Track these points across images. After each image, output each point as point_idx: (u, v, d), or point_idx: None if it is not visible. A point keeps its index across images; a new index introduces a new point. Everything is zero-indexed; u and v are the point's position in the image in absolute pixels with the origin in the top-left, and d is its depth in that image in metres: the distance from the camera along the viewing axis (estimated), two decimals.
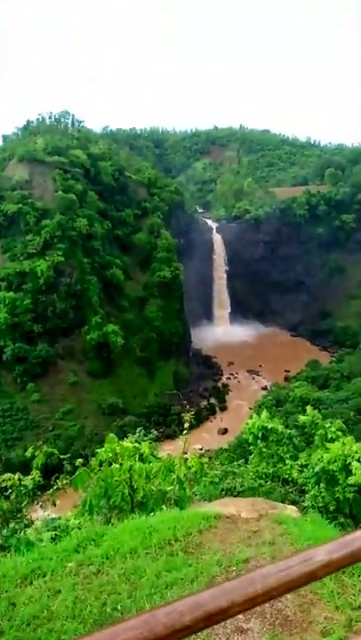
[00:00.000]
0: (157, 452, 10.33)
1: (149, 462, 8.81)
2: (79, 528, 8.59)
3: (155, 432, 15.01)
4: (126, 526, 6.02)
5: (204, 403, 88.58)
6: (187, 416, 7.96)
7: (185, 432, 8.11)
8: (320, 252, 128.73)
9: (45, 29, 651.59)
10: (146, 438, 13.73)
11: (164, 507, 7.54)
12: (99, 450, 8.80)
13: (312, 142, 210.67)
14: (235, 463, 14.48)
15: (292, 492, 11.47)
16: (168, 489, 8.00)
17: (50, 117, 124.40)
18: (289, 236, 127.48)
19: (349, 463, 10.29)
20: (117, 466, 8.29)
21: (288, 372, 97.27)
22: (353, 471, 9.83)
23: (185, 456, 13.88)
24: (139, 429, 14.19)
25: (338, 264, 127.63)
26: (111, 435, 8.69)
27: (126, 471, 8.06)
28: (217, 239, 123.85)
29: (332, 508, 10.15)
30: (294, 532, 5.50)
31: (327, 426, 12.66)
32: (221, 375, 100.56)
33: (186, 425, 7.96)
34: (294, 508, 7.10)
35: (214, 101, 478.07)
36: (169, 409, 78.42)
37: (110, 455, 8.65)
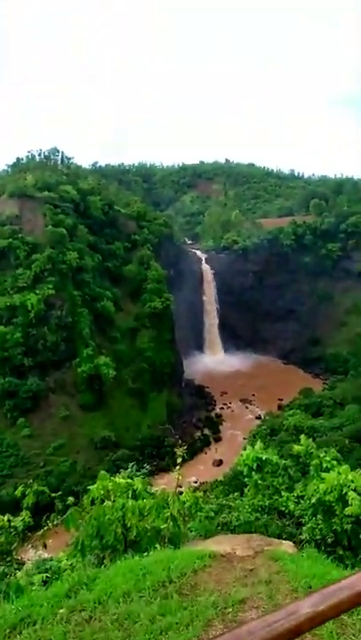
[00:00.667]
0: (151, 488, 10.14)
1: (143, 498, 8.62)
2: (72, 569, 8.30)
3: (147, 467, 14.76)
4: (119, 568, 5.83)
5: (198, 434, 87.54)
6: (179, 451, 7.84)
7: (178, 468, 7.97)
8: (308, 281, 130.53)
9: (45, 29, 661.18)
10: (139, 473, 13.48)
11: (157, 545, 7.33)
12: (90, 487, 8.62)
13: (296, 174, 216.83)
14: (230, 496, 14.20)
15: (289, 525, 11.25)
16: (162, 526, 7.81)
17: (39, 154, 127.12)
18: (277, 265, 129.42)
19: (346, 493, 10.14)
20: (110, 504, 8.10)
21: (281, 400, 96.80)
22: (349, 501, 9.69)
23: (180, 489, 13.62)
24: (131, 464, 13.93)
25: (326, 292, 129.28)
26: (102, 472, 8.53)
27: (119, 509, 7.88)
28: (206, 270, 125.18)
29: (330, 540, 9.94)
30: (291, 569, 5.34)
31: (322, 455, 12.54)
32: (215, 405, 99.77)
33: (178, 460, 7.84)
34: (290, 543, 6.93)
35: (202, 128, 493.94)
36: (162, 441, 77.26)
37: (102, 492, 8.46)
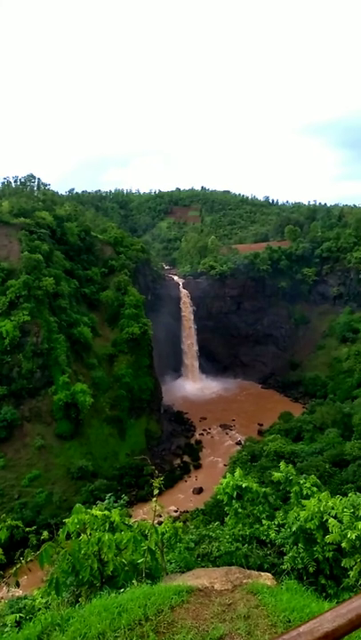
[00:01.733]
0: (130, 518, 9.85)
1: (120, 531, 8.36)
2: (46, 608, 7.92)
3: (125, 497, 14.40)
4: (94, 607, 5.58)
5: (178, 461, 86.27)
6: (156, 482, 7.66)
7: (154, 500, 7.78)
8: (285, 305, 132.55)
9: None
10: (116, 505, 13.15)
11: (135, 581, 7.08)
12: (66, 520, 8.33)
13: (271, 201, 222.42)
14: (210, 526, 13.89)
15: (270, 555, 11.04)
16: (139, 560, 7.56)
17: (15, 181, 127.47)
18: (254, 289, 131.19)
19: (326, 520, 10.05)
20: (85, 538, 7.83)
21: (261, 425, 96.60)
22: (330, 529, 9.59)
23: (160, 519, 13.26)
24: (109, 495, 13.58)
25: (303, 316, 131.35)
26: (78, 505, 8.26)
27: (94, 543, 7.62)
28: (184, 294, 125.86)
29: (311, 569, 9.78)
30: (270, 602, 5.19)
31: (302, 482, 12.47)
32: (194, 431, 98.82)
33: (155, 492, 7.65)
34: (269, 575, 6.77)
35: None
36: (141, 470, 75.79)
37: (78, 526, 8.18)
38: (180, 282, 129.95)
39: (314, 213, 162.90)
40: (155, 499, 7.78)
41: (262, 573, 6.79)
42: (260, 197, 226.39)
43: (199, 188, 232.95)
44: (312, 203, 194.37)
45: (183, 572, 8.23)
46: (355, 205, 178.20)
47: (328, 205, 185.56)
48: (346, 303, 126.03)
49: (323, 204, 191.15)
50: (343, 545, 9.23)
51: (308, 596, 5.67)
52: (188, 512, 62.97)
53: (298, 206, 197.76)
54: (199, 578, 6.01)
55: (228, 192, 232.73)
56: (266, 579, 6.28)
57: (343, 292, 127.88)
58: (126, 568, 7.92)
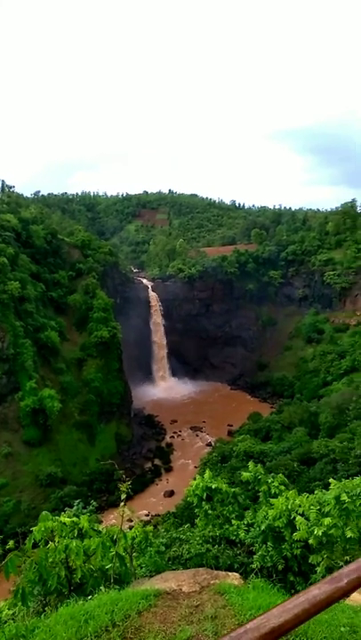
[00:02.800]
0: (99, 525, 9.72)
1: (90, 537, 8.24)
2: (13, 619, 7.71)
3: (94, 503, 14.21)
4: (60, 615, 5.46)
5: (149, 464, 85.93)
6: (123, 487, 7.59)
7: (122, 505, 7.71)
8: (253, 307, 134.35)
9: None
10: (85, 510, 12.96)
11: (102, 587, 6.98)
12: (33, 529, 8.15)
13: (237, 205, 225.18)
14: (181, 528, 13.86)
15: (240, 554, 11.10)
16: (108, 566, 7.47)
17: None
18: (223, 292, 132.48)
19: (294, 518, 10.19)
20: (52, 545, 7.68)
21: (231, 426, 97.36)
22: (297, 526, 9.73)
23: (131, 524, 13.16)
24: (77, 501, 13.37)
25: (270, 317, 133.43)
26: (45, 512, 8.08)
27: (62, 551, 7.48)
28: (153, 297, 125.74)
29: (280, 567, 9.89)
30: (237, 602, 5.21)
31: (270, 481, 12.60)
32: (165, 434, 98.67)
33: (123, 496, 7.58)
34: (237, 575, 6.80)
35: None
36: (112, 475, 75.00)
37: (45, 534, 8.01)
38: (149, 285, 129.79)
39: (279, 217, 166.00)
40: (122, 504, 7.71)
41: (230, 573, 6.82)
42: (227, 201, 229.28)
43: (167, 192, 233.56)
44: (277, 207, 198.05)
45: (153, 577, 8.18)
46: (318, 210, 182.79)
47: (293, 209, 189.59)
48: (311, 305, 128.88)
49: (288, 208, 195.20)
50: (310, 542, 9.39)
51: (274, 594, 5.73)
52: (159, 515, 62.77)
53: (264, 210, 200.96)
54: (167, 581, 5.98)
55: (196, 195, 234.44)
56: (233, 579, 6.31)
57: (308, 294, 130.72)
58: (95, 574, 7.82)
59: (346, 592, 1.54)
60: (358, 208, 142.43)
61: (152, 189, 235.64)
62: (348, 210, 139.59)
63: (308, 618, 1.41)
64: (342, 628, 4.52)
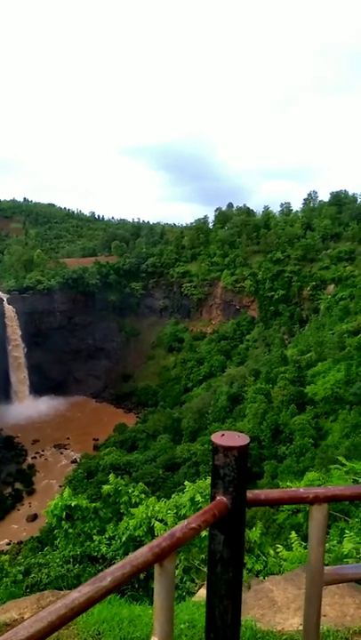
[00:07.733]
0: None
1: None
2: None
3: None
4: None
5: (9, 490, 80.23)
6: None
7: None
8: (116, 318, 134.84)
9: None
10: None
11: None
12: None
13: (97, 217, 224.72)
14: (40, 553, 13.26)
15: (102, 570, 11.03)
16: None
17: None
18: (84, 304, 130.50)
19: (153, 525, 10.48)
20: None
21: (97, 440, 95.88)
22: (155, 532, 10.03)
23: None
24: None
25: (133, 328, 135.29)
26: None
27: None
28: (9, 310, 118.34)
29: (142, 576, 10.06)
30: (80, 619, 5.16)
31: (130, 491, 12.77)
32: (26, 456, 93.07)
33: None
34: None
35: None
36: None
37: None
38: (5, 297, 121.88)
39: (138, 230, 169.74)
40: None
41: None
42: (86, 212, 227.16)
43: (22, 199, 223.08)
44: (136, 220, 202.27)
45: None
46: (175, 224, 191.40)
47: (151, 223, 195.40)
48: (171, 315, 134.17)
49: (146, 221, 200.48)
50: None
51: (121, 605, 5.80)
52: (22, 542, 59.01)
53: (123, 223, 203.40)
54: (8, 611, 5.67)
55: (54, 205, 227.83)
56: None
57: (168, 305, 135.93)
58: None
59: (110, 590, 1.53)
60: (210, 224, 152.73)
61: (4, 197, 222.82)
62: (201, 225, 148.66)
63: (64, 623, 1.39)
64: (182, 625, 4.77)
